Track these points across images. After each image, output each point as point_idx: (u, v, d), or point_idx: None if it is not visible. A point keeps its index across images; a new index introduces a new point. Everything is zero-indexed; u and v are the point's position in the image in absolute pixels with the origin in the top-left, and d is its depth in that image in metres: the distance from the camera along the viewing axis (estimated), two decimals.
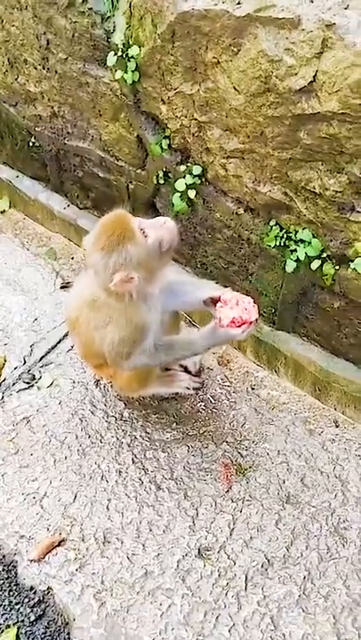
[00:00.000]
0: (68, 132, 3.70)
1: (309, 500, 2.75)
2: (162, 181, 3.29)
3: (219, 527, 2.65)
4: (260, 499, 2.75)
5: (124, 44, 2.99)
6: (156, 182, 3.32)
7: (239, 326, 2.57)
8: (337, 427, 3.10)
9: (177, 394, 3.16)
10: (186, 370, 3.25)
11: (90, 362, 2.93)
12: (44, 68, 3.52)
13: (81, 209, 4.07)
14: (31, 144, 4.04)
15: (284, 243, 2.91)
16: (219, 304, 2.62)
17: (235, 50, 2.55)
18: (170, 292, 2.72)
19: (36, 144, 4.00)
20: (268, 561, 2.55)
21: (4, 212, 4.45)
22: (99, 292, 2.55)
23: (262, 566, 2.53)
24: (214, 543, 2.60)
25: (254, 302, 2.61)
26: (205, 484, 2.80)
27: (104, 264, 2.41)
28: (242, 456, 2.90)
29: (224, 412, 3.03)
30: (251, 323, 2.58)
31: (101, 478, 2.82)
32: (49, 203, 4.19)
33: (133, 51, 2.94)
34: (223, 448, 2.93)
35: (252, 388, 3.31)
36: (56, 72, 3.46)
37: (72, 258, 4.08)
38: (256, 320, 2.60)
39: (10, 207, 4.46)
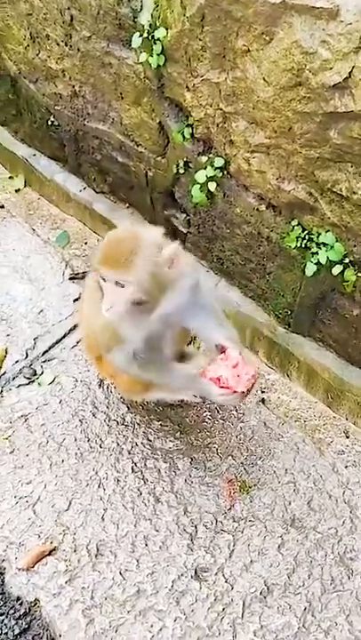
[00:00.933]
0: (89, 113, 3.58)
1: (315, 526, 2.62)
2: (182, 171, 3.20)
3: (218, 547, 2.53)
4: (264, 520, 2.62)
5: (150, 25, 2.87)
6: (175, 171, 3.23)
7: (221, 387, 2.44)
8: (347, 437, 3.00)
9: (182, 401, 3.02)
10: None
11: (90, 353, 2.83)
12: (66, 45, 3.39)
13: (97, 193, 3.97)
14: (50, 123, 3.92)
15: (306, 244, 2.83)
16: (221, 355, 2.50)
17: (267, 38, 2.43)
18: (192, 314, 2.55)
19: (55, 123, 3.89)
20: (268, 588, 2.42)
21: (18, 190, 4.34)
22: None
23: (261, 593, 2.41)
24: (212, 564, 2.48)
25: (253, 380, 2.47)
26: (207, 499, 2.68)
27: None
28: (247, 472, 2.77)
29: (231, 423, 2.90)
30: (235, 392, 2.44)
31: (98, 486, 2.70)
32: (65, 184, 4.09)
33: (160, 33, 2.82)
34: (228, 462, 2.79)
35: (262, 391, 3.19)
36: (79, 50, 3.33)
37: (85, 243, 3.97)
38: (243, 394, 2.46)
39: (25, 186, 4.35)
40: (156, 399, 2.95)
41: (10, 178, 4.42)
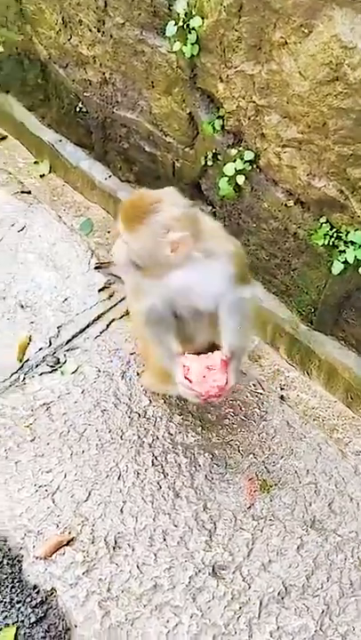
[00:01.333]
0: (117, 101, 3.55)
1: (336, 528, 2.58)
2: (210, 163, 3.17)
3: (237, 545, 2.51)
4: (284, 520, 2.60)
5: (186, 13, 2.83)
6: (203, 163, 3.20)
7: (185, 378, 2.45)
8: None
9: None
10: None
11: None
12: (98, 31, 3.35)
13: (122, 181, 3.94)
14: (78, 109, 3.89)
15: (333, 242, 2.79)
16: (209, 353, 2.48)
17: (305, 31, 2.39)
18: (222, 307, 2.51)
19: (83, 110, 3.86)
20: (286, 589, 2.40)
21: (43, 176, 4.31)
22: None
23: (279, 594, 2.39)
24: (230, 562, 2.46)
25: (218, 391, 2.45)
26: (227, 496, 2.65)
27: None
28: (268, 471, 2.74)
29: (254, 421, 2.86)
30: (192, 389, 2.44)
31: (118, 478, 2.68)
32: (91, 171, 4.05)
33: (195, 22, 2.78)
34: (249, 460, 2.76)
35: (282, 388, 3.16)
36: (111, 37, 3.30)
37: (108, 231, 3.94)
38: (200, 395, 2.45)
39: (50, 172, 4.31)
40: (178, 395, 2.91)
41: (35, 163, 4.39)
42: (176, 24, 2.85)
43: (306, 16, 2.35)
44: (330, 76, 2.37)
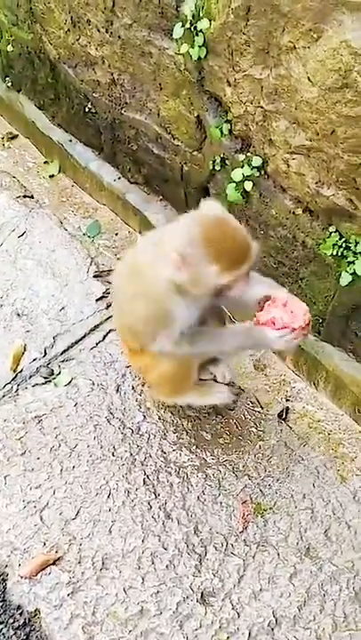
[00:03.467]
0: (126, 103, 3.49)
1: (331, 557, 2.49)
2: (218, 167, 3.11)
3: (227, 571, 2.43)
4: (277, 546, 2.51)
5: (193, 15, 2.77)
6: (212, 167, 3.14)
7: (279, 329, 2.31)
8: None
9: (199, 413, 2.90)
10: (215, 380, 3.02)
11: (124, 340, 2.77)
12: (107, 32, 3.30)
13: (131, 183, 3.89)
14: (87, 110, 3.84)
15: (342, 253, 2.73)
16: (267, 303, 2.37)
17: (315, 36, 2.31)
18: None
19: (92, 110, 3.80)
20: (277, 620, 2.31)
21: (52, 176, 4.27)
22: (146, 258, 2.40)
23: (269, 624, 2.30)
24: (220, 589, 2.38)
25: (308, 314, 2.35)
26: (219, 519, 2.58)
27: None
28: (263, 494, 2.64)
29: (250, 441, 2.77)
30: (294, 330, 2.31)
31: (108, 496, 2.61)
32: (99, 172, 4.01)
33: (203, 24, 2.72)
34: (244, 482, 2.68)
35: (287, 399, 3.09)
36: (119, 37, 3.24)
37: (116, 234, 3.89)
38: (303, 330, 2.33)
39: (59, 172, 4.27)
40: (187, 404, 2.83)
41: (45, 163, 4.36)
42: (183, 26, 2.80)
43: (315, 20, 2.27)
44: (339, 83, 2.29)
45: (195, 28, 2.75)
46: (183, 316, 2.41)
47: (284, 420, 3.09)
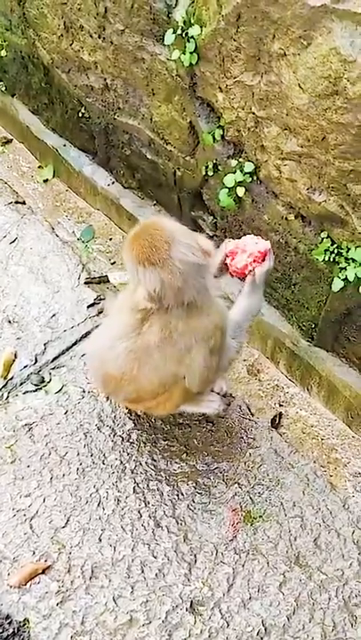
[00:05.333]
0: (119, 108, 3.49)
1: (320, 565, 2.48)
2: (211, 173, 3.10)
3: (217, 580, 2.41)
4: (267, 554, 2.49)
5: (185, 21, 2.76)
6: (204, 173, 3.14)
7: (263, 260, 2.45)
8: None
9: (190, 421, 2.88)
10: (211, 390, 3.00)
11: (140, 403, 2.67)
12: (99, 37, 3.29)
13: (125, 188, 3.88)
14: (81, 114, 3.83)
15: (334, 258, 2.72)
16: (228, 259, 2.47)
17: (304, 43, 2.31)
18: None
19: (86, 115, 3.80)
20: (266, 629, 2.29)
21: (46, 181, 4.26)
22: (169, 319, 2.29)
23: (258, 633, 2.28)
24: (209, 598, 2.35)
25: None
26: (209, 528, 2.56)
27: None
28: (253, 502, 2.62)
29: (240, 449, 2.75)
30: (269, 250, 2.47)
31: (98, 504, 2.59)
32: (93, 177, 4.00)
33: (194, 30, 2.71)
34: (234, 490, 2.66)
35: (280, 405, 3.09)
36: (112, 43, 3.23)
37: (110, 239, 3.89)
38: (270, 249, 2.49)
39: (53, 176, 4.26)
40: (178, 411, 2.81)
41: (39, 167, 4.35)
42: (174, 32, 2.78)
43: (305, 27, 2.27)
44: (329, 90, 2.29)
45: (186, 34, 2.75)
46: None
47: (277, 425, 3.09)
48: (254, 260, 2.41)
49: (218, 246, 2.52)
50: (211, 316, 2.30)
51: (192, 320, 2.25)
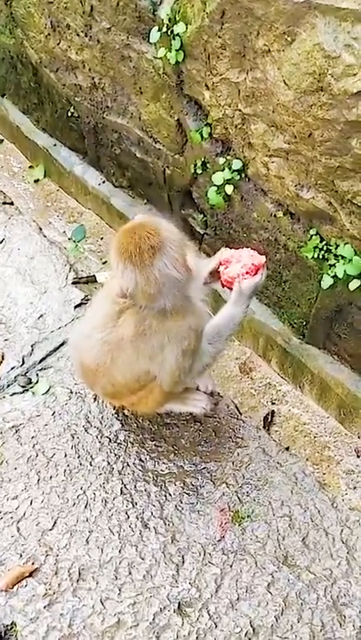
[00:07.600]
0: (108, 107, 3.47)
1: (309, 565, 2.43)
2: (200, 171, 3.10)
3: (204, 581, 2.36)
4: (255, 554, 2.45)
5: (170, 19, 2.75)
6: (193, 171, 3.13)
7: (255, 273, 2.38)
8: (358, 457, 2.90)
9: (178, 421, 2.84)
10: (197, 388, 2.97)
11: (120, 399, 2.67)
12: (86, 36, 3.28)
13: (116, 187, 3.87)
14: (70, 114, 3.82)
15: (323, 255, 2.73)
16: (221, 267, 2.41)
17: (288, 39, 2.30)
18: None
19: (75, 114, 3.79)
20: (254, 629, 2.24)
21: (37, 181, 4.25)
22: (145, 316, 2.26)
23: (246, 634, 2.24)
24: (197, 599, 2.31)
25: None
26: (196, 528, 2.52)
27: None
28: (241, 502, 2.58)
29: (228, 448, 2.70)
30: (263, 265, 2.39)
31: (85, 506, 2.55)
32: (84, 177, 4.00)
33: (179, 28, 2.70)
34: (222, 490, 2.61)
35: (273, 402, 3.08)
36: (98, 41, 3.22)
37: (101, 238, 3.88)
38: (265, 264, 2.41)
39: (44, 177, 4.25)
40: (166, 411, 2.79)
41: (30, 167, 4.34)
42: (160, 30, 2.78)
43: (288, 23, 2.26)
44: (314, 86, 2.28)
45: (171, 31, 2.74)
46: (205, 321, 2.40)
47: (269, 423, 3.07)
48: (247, 272, 2.35)
49: (214, 253, 2.50)
50: (187, 319, 2.26)
51: (167, 320, 2.23)
